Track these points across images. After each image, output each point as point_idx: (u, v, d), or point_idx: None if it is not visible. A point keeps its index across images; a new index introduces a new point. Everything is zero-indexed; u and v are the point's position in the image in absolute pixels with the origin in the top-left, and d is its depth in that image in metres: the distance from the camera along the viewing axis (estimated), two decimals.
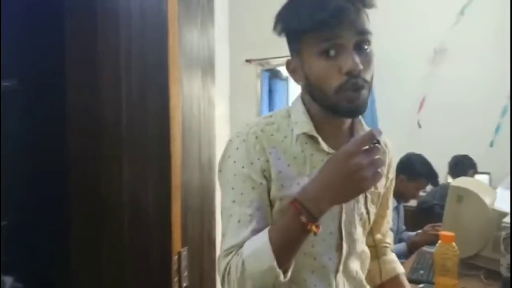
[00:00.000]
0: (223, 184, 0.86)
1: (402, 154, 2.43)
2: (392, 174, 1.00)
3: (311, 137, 0.84)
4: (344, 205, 0.85)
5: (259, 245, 0.74)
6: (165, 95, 1.10)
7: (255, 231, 0.78)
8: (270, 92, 4.80)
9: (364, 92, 0.76)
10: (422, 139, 3.62)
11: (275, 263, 0.72)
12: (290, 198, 0.74)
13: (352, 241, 0.87)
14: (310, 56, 0.78)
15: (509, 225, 1.19)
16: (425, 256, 1.84)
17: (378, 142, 0.70)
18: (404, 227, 2.59)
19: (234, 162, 0.83)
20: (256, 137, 0.83)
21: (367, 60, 0.77)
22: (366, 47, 0.77)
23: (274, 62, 4.69)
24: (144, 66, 1.13)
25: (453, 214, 1.58)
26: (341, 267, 0.86)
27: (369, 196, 0.89)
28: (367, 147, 0.68)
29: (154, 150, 1.12)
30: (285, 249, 0.74)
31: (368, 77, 0.77)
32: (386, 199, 1.00)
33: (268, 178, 0.82)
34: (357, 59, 0.74)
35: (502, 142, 3.34)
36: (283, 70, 4.71)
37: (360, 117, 0.88)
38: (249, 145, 0.82)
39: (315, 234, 0.71)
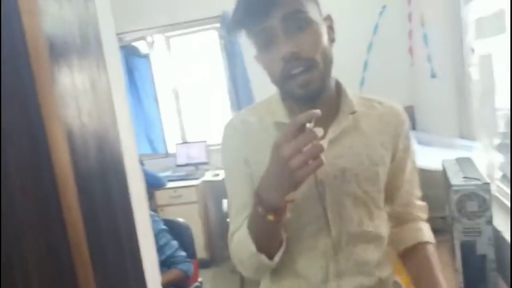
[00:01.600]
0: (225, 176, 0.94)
1: None
2: (403, 143, 0.91)
3: (284, 124, 0.82)
4: (326, 186, 0.83)
5: (242, 234, 0.81)
6: (31, 96, 0.71)
7: None
8: (130, 71, 4.31)
9: (311, 73, 0.75)
10: None
11: (254, 249, 0.77)
12: None
13: (343, 223, 0.84)
14: (256, 50, 0.81)
15: (461, 188, 1.17)
16: None
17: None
18: None
19: (225, 154, 0.91)
20: (236, 129, 0.89)
21: (307, 39, 0.75)
22: (302, 26, 0.75)
23: (128, 37, 4.20)
24: None
25: None
26: (335, 251, 0.84)
27: (360, 174, 0.84)
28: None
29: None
30: (260, 236, 0.77)
31: (314, 55, 0.75)
32: (400, 170, 0.93)
33: (250, 169, 0.86)
34: (289, 44, 0.73)
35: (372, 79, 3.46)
36: (142, 46, 4.24)
37: (344, 89, 0.87)
38: (230, 136, 0.89)
39: (278, 221, 0.72)
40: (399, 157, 0.91)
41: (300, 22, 0.75)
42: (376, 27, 3.52)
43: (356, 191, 0.84)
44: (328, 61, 0.78)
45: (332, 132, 0.84)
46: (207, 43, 4.18)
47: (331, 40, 0.81)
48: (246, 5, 0.74)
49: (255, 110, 0.91)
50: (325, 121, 0.80)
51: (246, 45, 3.39)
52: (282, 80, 0.77)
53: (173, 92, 4.32)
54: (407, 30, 3.24)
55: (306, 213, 0.83)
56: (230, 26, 0.79)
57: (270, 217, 0.72)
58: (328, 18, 0.82)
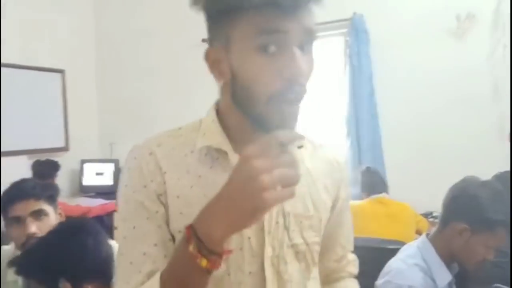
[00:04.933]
0: (117, 216, 0.72)
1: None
2: (345, 192, 0.84)
3: (221, 151, 0.70)
4: (267, 237, 0.69)
5: None
6: None
7: (152, 273, 0.65)
8: None
9: (300, 106, 0.64)
10: None
11: None
12: None
13: (282, 283, 0.71)
14: (244, 49, 0.62)
15: None
16: None
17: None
18: None
19: (126, 185, 0.71)
20: (151, 153, 0.70)
21: (309, 65, 0.64)
22: (309, 48, 0.64)
23: None
24: None
25: None
26: None
27: (303, 222, 0.73)
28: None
29: None
30: None
31: (306, 85, 0.64)
32: (339, 222, 0.85)
33: (165, 205, 0.68)
34: (304, 61, 0.62)
35: None
36: None
37: None
38: (142, 164, 0.69)
39: (209, 271, 0.57)
40: (339, 207, 0.83)
41: (311, 44, 0.65)
42: None
43: (299, 242, 0.73)
44: None
45: None
46: (326, 53, 3.35)
47: None
48: None
49: (179, 132, 0.74)
50: None
51: (379, 60, 2.53)
52: (268, 101, 0.62)
53: None
54: None
55: (237, 269, 0.68)
56: (230, 2, 0.60)
57: (203, 262, 0.56)
58: None
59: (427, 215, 2.67)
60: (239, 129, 0.70)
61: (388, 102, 3.05)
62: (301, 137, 0.58)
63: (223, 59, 0.65)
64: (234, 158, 0.68)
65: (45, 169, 3.35)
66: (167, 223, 0.68)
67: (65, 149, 3.91)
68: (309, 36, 0.63)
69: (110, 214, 3.39)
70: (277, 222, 0.70)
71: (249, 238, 0.68)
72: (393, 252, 1.39)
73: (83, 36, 4.22)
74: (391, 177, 3.01)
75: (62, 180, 3.92)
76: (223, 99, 0.71)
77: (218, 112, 0.73)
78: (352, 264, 0.92)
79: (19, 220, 1.39)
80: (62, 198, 3.79)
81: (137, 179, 0.69)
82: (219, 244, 0.56)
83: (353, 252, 0.93)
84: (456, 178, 1.34)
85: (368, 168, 2.65)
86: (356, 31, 3.04)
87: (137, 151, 0.71)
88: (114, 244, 1.15)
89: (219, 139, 0.70)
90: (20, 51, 3.42)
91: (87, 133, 4.21)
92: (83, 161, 3.96)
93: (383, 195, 2.45)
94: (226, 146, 0.69)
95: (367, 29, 3.04)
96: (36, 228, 1.37)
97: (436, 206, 1.37)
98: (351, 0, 3.12)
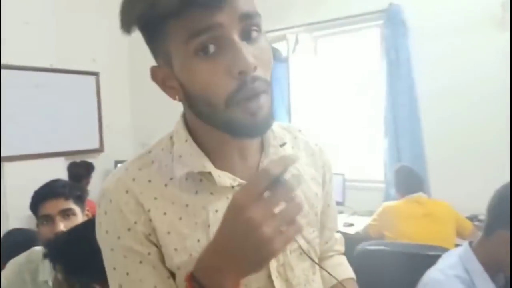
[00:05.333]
0: (104, 263, 0.65)
1: None
2: (329, 175, 0.81)
3: (204, 173, 0.64)
4: None
5: None
6: None
7: None
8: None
9: (265, 97, 0.58)
10: None
11: None
12: (192, 263, 0.56)
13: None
14: (183, 57, 0.57)
15: None
16: None
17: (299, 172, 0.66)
18: None
19: (107, 232, 0.63)
20: (127, 191, 0.62)
21: (261, 52, 0.58)
22: (255, 34, 0.58)
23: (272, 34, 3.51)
24: None
25: None
26: None
27: (301, 221, 0.61)
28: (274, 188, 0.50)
29: None
30: None
31: (266, 75, 0.59)
32: (326, 205, 0.82)
33: (157, 244, 0.62)
34: (249, 53, 0.55)
35: None
36: (282, 47, 3.51)
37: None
38: (121, 205, 0.62)
39: None
40: (325, 191, 0.81)
41: (256, 28, 0.58)
42: None
43: (300, 243, 0.71)
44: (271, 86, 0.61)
45: None
46: (361, 46, 3.20)
47: None
48: None
49: (149, 158, 0.67)
50: (253, 158, 0.67)
51: (418, 54, 2.37)
52: (226, 105, 0.56)
53: (311, 106, 3.47)
54: None
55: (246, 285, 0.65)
56: (140, 16, 0.55)
57: None
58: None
59: (472, 218, 2.48)
60: (213, 142, 0.64)
61: (428, 97, 2.86)
62: (291, 162, 0.51)
63: (169, 75, 0.61)
64: (218, 176, 0.63)
65: (80, 170, 3.41)
66: (162, 261, 0.63)
67: (100, 150, 3.97)
68: (249, 20, 0.56)
69: None
70: None
71: None
72: (432, 259, 1.28)
73: (117, 39, 4.27)
74: (433, 177, 2.84)
75: (97, 181, 4.00)
76: (188, 114, 0.66)
77: (187, 127, 0.67)
78: (339, 242, 0.92)
79: (48, 219, 1.43)
80: (96, 199, 3.88)
81: (119, 223, 0.62)
82: None
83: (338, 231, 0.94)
84: (504, 179, 1.19)
85: (401, 167, 2.51)
86: (392, 23, 2.88)
87: (111, 192, 0.63)
88: None
89: (198, 160, 0.63)
90: (56, 55, 3.50)
91: (121, 134, 4.28)
92: (117, 162, 4.01)
93: (419, 194, 2.31)
94: (207, 166, 0.63)
95: (405, 20, 2.86)
96: (64, 227, 1.40)
97: (482, 209, 1.22)
98: None
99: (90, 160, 3.60)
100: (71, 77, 3.70)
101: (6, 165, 3.15)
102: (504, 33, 2.61)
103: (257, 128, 0.58)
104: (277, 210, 0.50)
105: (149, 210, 0.62)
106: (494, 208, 1.16)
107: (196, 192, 0.63)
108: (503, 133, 2.60)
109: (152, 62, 0.62)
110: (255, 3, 0.58)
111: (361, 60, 3.19)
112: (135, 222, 0.61)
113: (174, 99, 0.63)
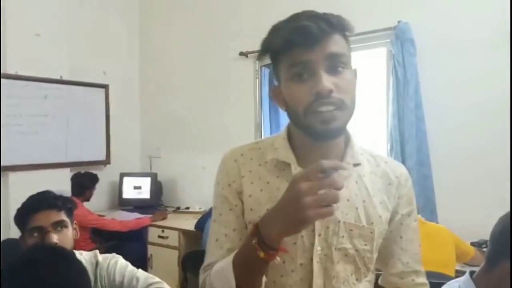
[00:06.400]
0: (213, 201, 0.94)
1: None
2: (406, 209, 0.92)
3: (286, 164, 0.86)
4: (317, 237, 0.84)
5: (224, 265, 0.81)
6: None
7: (230, 250, 0.84)
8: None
9: (339, 112, 0.77)
10: None
11: (233, 284, 0.78)
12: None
13: (328, 278, 0.85)
14: (285, 80, 0.82)
15: None
16: None
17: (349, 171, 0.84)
18: None
19: (218, 183, 0.93)
20: (235, 161, 0.92)
21: (342, 82, 0.78)
22: (340, 69, 0.79)
23: None
24: None
25: None
26: None
27: (354, 230, 0.85)
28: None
29: None
30: (244, 270, 0.78)
31: (344, 98, 0.78)
32: (396, 236, 0.92)
33: (242, 201, 0.89)
34: (327, 80, 0.76)
35: None
36: None
37: (353, 140, 0.90)
38: (228, 168, 0.91)
39: (266, 261, 0.73)
40: (397, 222, 0.91)
41: (340, 64, 0.78)
42: None
43: (347, 247, 0.85)
44: (353, 107, 0.81)
45: None
46: (369, 63, 3.16)
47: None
48: (293, 35, 0.76)
49: (258, 145, 0.94)
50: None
51: (426, 72, 2.33)
52: (304, 113, 0.79)
53: None
54: None
55: (290, 259, 0.84)
56: (264, 51, 0.84)
57: (261, 254, 0.72)
58: (355, 72, 0.86)
59: (480, 244, 2.35)
60: (301, 145, 0.87)
61: (436, 117, 2.77)
62: (341, 166, 0.72)
63: (279, 93, 0.85)
64: (295, 169, 0.84)
65: (84, 181, 3.41)
66: (243, 214, 0.88)
67: (106, 162, 3.98)
68: (334, 59, 0.77)
69: (143, 229, 3.37)
70: (327, 227, 0.84)
71: (302, 236, 0.84)
72: (433, 286, 1.19)
73: (126, 52, 4.33)
74: (441, 199, 2.73)
75: (103, 193, 3.98)
76: (290, 122, 0.88)
77: (289, 131, 0.90)
78: (420, 286, 0.95)
79: (40, 230, 1.38)
80: (101, 211, 3.85)
81: (225, 179, 0.91)
82: (275, 242, 0.72)
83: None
84: None
85: None
86: (401, 41, 2.83)
87: (226, 158, 0.93)
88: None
89: (285, 153, 0.87)
90: (66, 67, 3.54)
91: (128, 147, 4.28)
92: (122, 174, 4.01)
93: (419, 216, 2.20)
94: (290, 159, 0.86)
95: (413, 38, 2.81)
96: (57, 239, 1.37)
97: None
98: (396, 7, 2.92)
99: (95, 171, 3.60)
100: (81, 89, 3.74)
101: (10, 175, 3.17)
102: None
103: (326, 134, 0.79)
104: (319, 193, 0.66)
105: (243, 177, 0.89)
106: (497, 237, 1.08)
107: (277, 176, 0.87)
108: None
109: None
110: (346, 46, 0.80)
111: (369, 77, 3.14)
112: (233, 181, 0.90)
113: (282, 109, 0.87)
